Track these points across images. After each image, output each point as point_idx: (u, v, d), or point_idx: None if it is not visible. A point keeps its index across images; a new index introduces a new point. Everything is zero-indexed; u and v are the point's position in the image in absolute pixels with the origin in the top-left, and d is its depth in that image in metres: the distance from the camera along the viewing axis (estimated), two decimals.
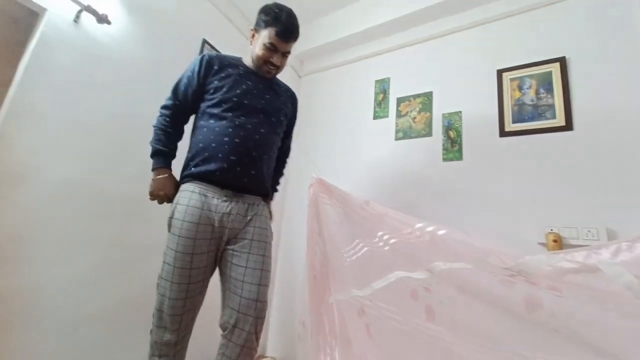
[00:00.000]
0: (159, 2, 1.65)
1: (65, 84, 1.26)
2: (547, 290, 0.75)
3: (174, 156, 1.15)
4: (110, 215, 1.39)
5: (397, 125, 2.01)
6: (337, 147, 2.24)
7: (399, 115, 2.03)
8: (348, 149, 2.18)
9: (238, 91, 1.09)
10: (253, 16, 2.17)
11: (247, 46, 2.26)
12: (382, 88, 2.17)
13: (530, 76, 1.62)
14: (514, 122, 1.61)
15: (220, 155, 1.03)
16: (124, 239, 1.44)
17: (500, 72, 1.72)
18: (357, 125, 2.21)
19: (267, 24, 1.08)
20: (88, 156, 1.33)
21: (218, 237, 1.03)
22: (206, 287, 1.07)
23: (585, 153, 1.41)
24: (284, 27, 1.07)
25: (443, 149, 1.79)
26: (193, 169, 1.06)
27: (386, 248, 1.17)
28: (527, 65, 1.64)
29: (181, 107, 1.15)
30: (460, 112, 1.79)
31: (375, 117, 2.14)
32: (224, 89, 1.09)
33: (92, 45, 1.35)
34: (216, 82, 1.10)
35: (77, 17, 1.28)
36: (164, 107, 1.16)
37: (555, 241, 1.29)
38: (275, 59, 1.12)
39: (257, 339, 1.03)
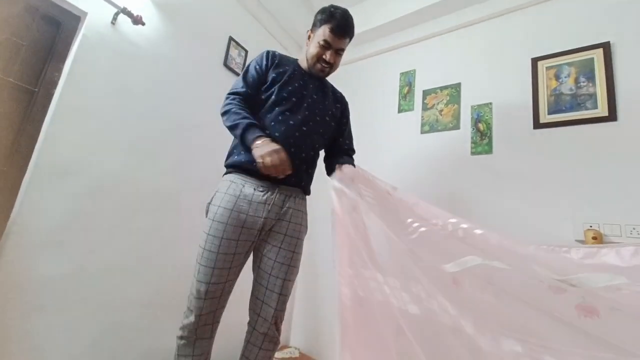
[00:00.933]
0: (187, 1, 1.70)
1: (104, 84, 1.34)
2: (605, 300, 0.67)
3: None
4: (146, 206, 1.47)
5: (423, 119, 1.96)
6: (360, 142, 2.19)
7: (425, 108, 1.98)
8: (372, 143, 2.16)
9: (289, 88, 1.12)
10: (276, 11, 2.24)
11: (270, 41, 2.30)
12: (407, 80, 2.12)
13: (569, 64, 1.52)
14: (550, 113, 1.52)
15: None
16: (159, 229, 1.52)
17: (535, 61, 1.63)
18: (382, 119, 2.18)
19: (322, 22, 1.11)
20: (125, 151, 1.41)
21: (251, 227, 1.03)
22: (234, 275, 1.05)
23: (631, 145, 1.31)
24: (337, 22, 1.09)
25: (472, 142, 1.72)
26: (235, 157, 1.08)
27: (414, 236, 1.09)
28: (565, 52, 1.54)
29: (250, 95, 1.13)
30: (491, 103, 1.72)
31: (400, 111, 2.10)
32: (279, 84, 1.11)
33: (128, 46, 1.42)
34: (274, 75, 1.13)
35: (114, 19, 1.35)
36: (235, 93, 1.12)
37: (595, 238, 1.22)
38: (329, 56, 1.12)
39: (278, 329, 1.07)
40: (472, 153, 1.71)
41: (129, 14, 1.35)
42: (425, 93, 2.00)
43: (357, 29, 2.35)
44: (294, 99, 1.11)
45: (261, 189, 1.05)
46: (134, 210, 1.43)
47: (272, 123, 1.08)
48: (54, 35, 1.25)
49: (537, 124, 1.54)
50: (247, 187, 1.05)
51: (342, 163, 1.19)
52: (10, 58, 1.14)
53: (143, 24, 1.40)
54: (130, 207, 1.41)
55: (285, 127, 1.07)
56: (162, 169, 1.54)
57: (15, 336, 1.08)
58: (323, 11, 1.12)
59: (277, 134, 1.06)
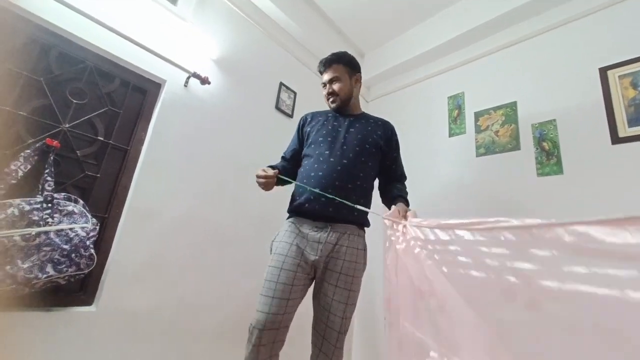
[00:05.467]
0: (242, 56, 1.92)
1: (180, 138, 1.55)
2: None
3: (280, 170, 1.23)
4: (213, 242, 1.62)
5: (477, 141, 1.88)
6: (411, 170, 2.17)
7: (478, 130, 1.90)
8: (423, 170, 2.11)
9: (323, 131, 1.28)
10: (321, 54, 2.38)
11: (316, 80, 2.44)
12: (457, 104, 2.07)
13: None
14: (630, 125, 1.35)
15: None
16: (224, 263, 1.64)
17: (603, 71, 1.48)
18: (432, 145, 2.13)
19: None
20: (196, 194, 1.58)
21: (307, 263, 1.11)
22: (291, 308, 1.07)
23: None
24: (319, 65, 1.36)
25: (537, 163, 1.59)
26: (295, 202, 1.22)
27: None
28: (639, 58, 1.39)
29: (294, 151, 1.38)
30: (555, 120, 1.59)
31: (451, 135, 2.04)
32: (313, 133, 1.31)
33: (197, 102, 1.65)
34: (308, 129, 1.35)
35: (187, 82, 1.59)
36: (282, 157, 1.42)
37: None
38: (327, 88, 1.34)
39: None
40: (539, 174, 1.57)
41: (197, 76, 1.58)
42: (477, 115, 1.93)
43: (400, 59, 2.41)
44: (329, 139, 1.25)
45: (316, 229, 1.14)
46: (204, 246, 1.57)
47: (315, 165, 1.20)
48: (142, 101, 1.51)
49: (616, 139, 1.38)
50: (304, 227, 1.16)
51: (395, 196, 1.23)
52: (110, 124, 1.40)
53: (209, 83, 1.62)
54: (200, 243, 1.56)
55: (327, 164, 1.18)
56: (225, 206, 1.70)
57: None
58: None
59: (320, 173, 1.16)
